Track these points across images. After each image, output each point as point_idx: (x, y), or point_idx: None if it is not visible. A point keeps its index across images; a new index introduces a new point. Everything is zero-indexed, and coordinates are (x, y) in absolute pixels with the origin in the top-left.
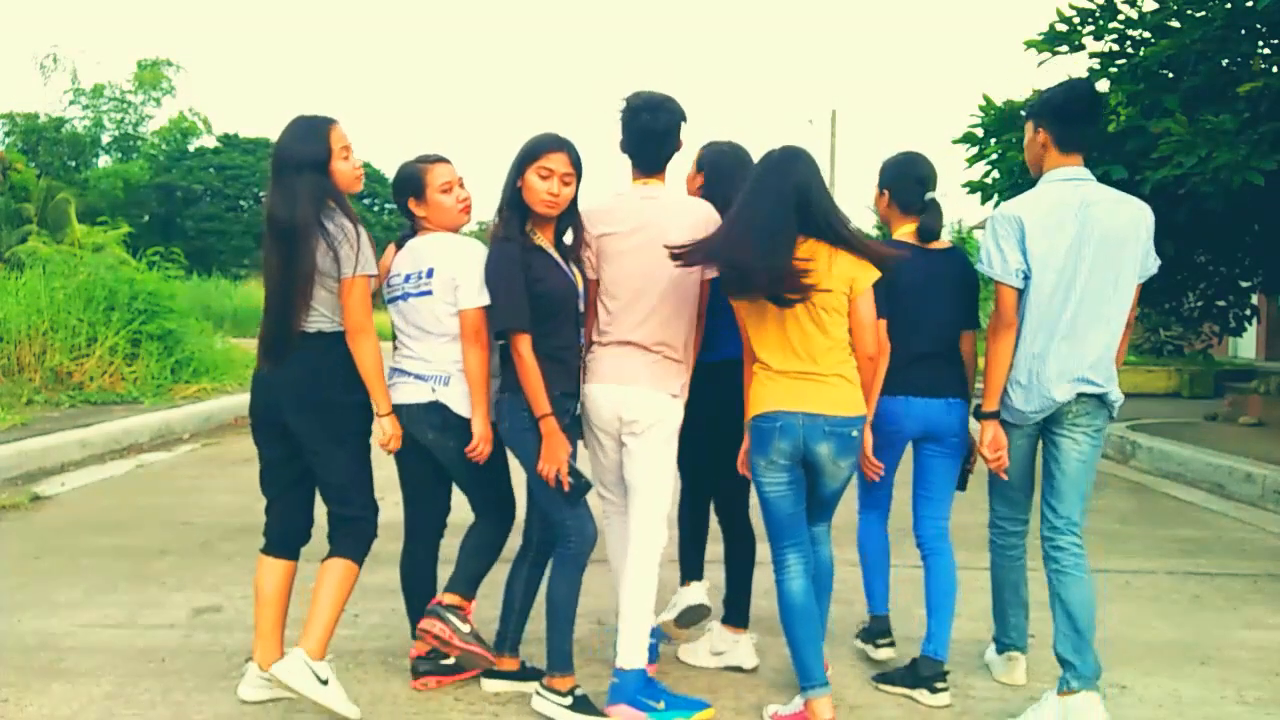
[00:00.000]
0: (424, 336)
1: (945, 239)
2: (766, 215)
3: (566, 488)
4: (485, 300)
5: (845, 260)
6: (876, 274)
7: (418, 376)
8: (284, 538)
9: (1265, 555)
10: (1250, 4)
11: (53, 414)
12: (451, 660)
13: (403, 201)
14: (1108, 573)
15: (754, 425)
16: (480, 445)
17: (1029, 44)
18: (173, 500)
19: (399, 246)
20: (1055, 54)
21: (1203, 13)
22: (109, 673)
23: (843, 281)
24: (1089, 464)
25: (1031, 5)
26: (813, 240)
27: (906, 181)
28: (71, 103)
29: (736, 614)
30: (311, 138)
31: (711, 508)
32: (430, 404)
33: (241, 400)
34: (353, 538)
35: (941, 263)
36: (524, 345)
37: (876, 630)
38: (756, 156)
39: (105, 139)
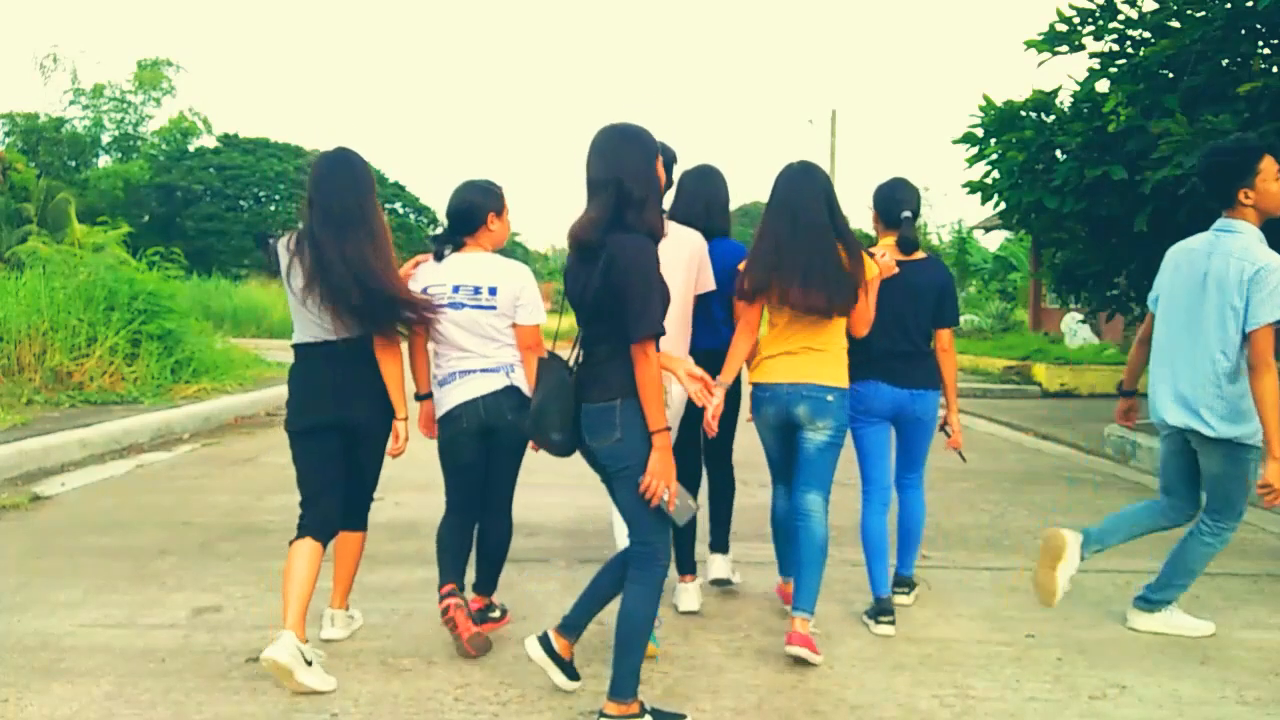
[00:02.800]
0: (484, 341)
1: (946, 240)
2: (812, 213)
3: (672, 507)
4: (543, 319)
5: (864, 259)
6: (875, 269)
7: (486, 370)
8: (326, 524)
9: (1265, 555)
10: (1250, 4)
11: (53, 414)
12: (498, 613)
13: (482, 217)
14: (1108, 573)
15: (753, 392)
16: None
17: (1029, 44)
18: (173, 500)
19: (438, 258)
20: (1055, 54)
21: (1203, 13)
22: (109, 673)
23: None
24: (1219, 478)
25: (1031, 5)
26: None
27: (888, 203)
28: (71, 103)
29: (718, 542)
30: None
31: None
32: (508, 388)
33: (241, 400)
34: (364, 515)
35: (917, 272)
36: (653, 350)
37: (878, 610)
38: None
39: (105, 139)
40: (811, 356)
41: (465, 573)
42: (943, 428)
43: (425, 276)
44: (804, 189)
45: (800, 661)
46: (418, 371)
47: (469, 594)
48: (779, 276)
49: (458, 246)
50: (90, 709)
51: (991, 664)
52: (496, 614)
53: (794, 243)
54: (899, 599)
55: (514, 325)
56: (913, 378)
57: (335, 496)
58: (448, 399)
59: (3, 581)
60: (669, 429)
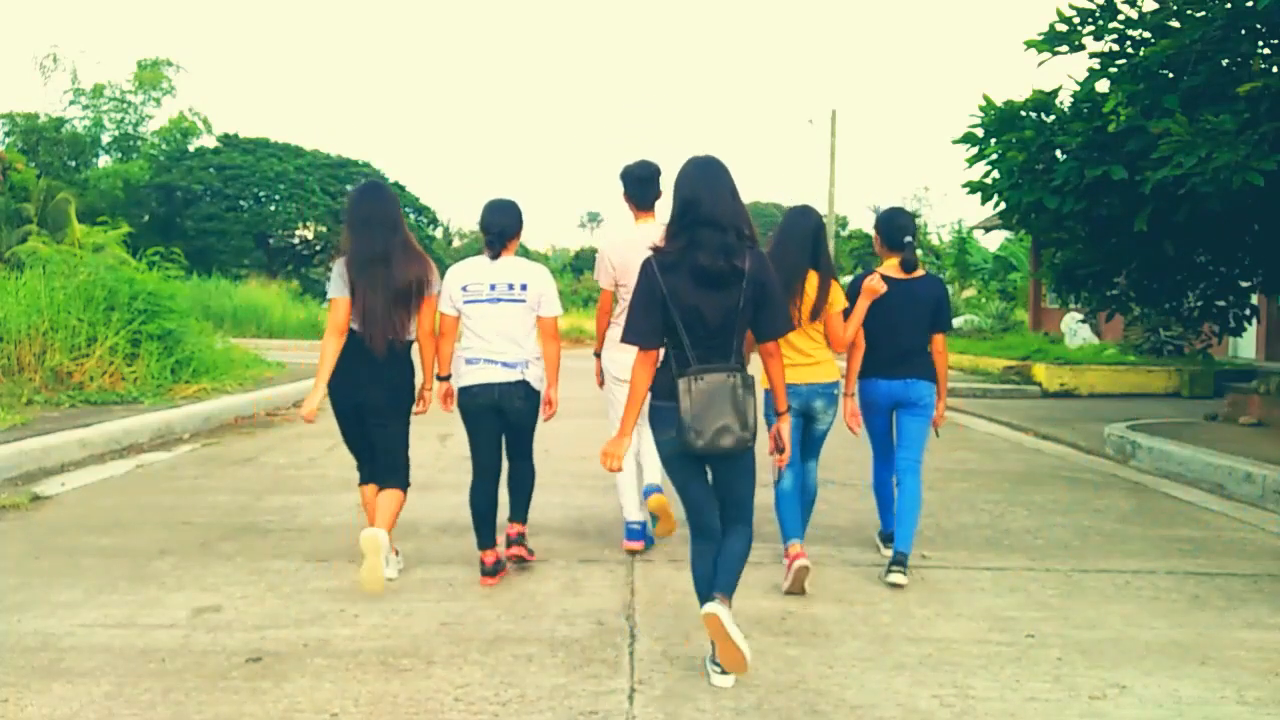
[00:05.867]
0: (511, 333)
1: (946, 240)
2: (794, 253)
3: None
4: (561, 311)
5: (833, 289)
6: (845, 303)
7: (506, 364)
8: (374, 473)
9: (1265, 555)
10: (1250, 4)
11: (53, 414)
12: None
13: (514, 232)
14: (1108, 573)
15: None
16: (555, 409)
17: (1029, 44)
18: (173, 500)
19: (494, 258)
20: (1055, 54)
21: (1203, 13)
22: (109, 673)
23: (826, 303)
24: None
25: (1031, 5)
26: (814, 272)
27: (890, 229)
28: (71, 103)
29: None
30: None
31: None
32: (519, 381)
33: (241, 400)
34: (402, 477)
35: (917, 287)
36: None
37: (886, 537)
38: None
39: (105, 139)
40: (820, 366)
41: (496, 535)
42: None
43: (466, 275)
44: (795, 226)
45: (798, 659)
46: (441, 356)
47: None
48: None
49: (502, 250)
50: (90, 709)
51: (991, 664)
52: (525, 542)
53: (781, 266)
54: (895, 578)
55: (538, 317)
56: (905, 370)
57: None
58: (471, 375)
59: (3, 581)
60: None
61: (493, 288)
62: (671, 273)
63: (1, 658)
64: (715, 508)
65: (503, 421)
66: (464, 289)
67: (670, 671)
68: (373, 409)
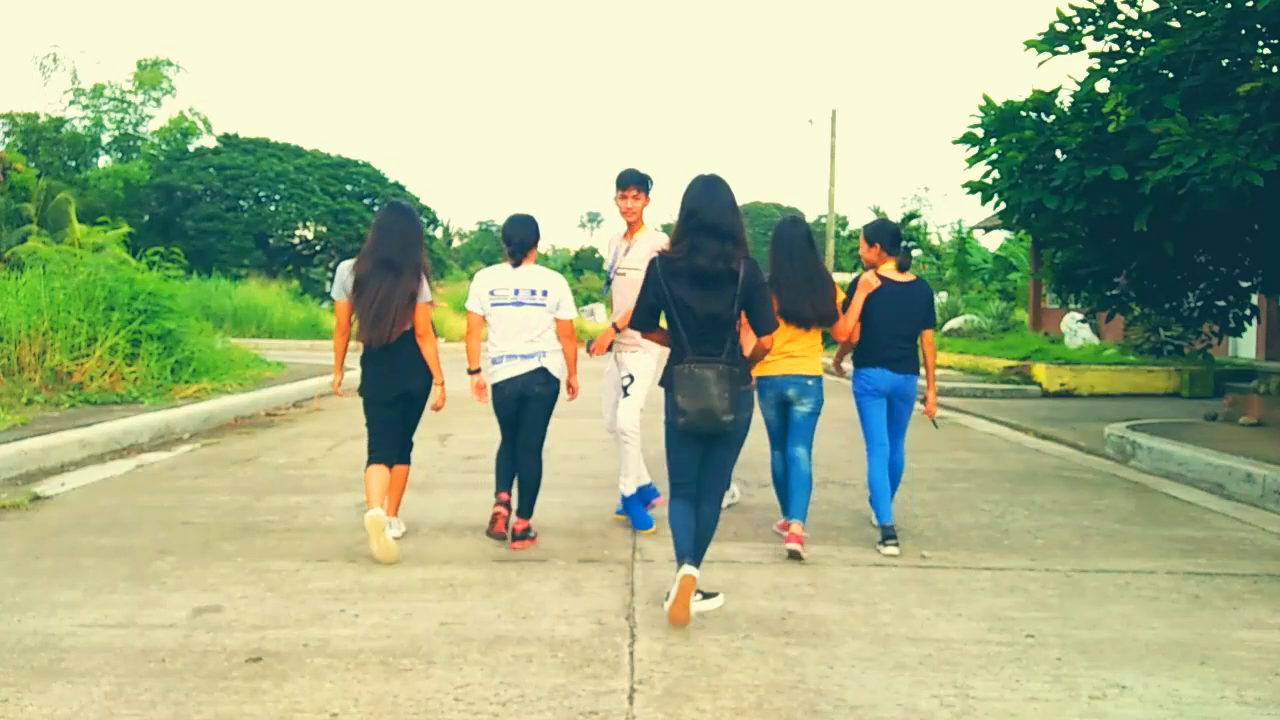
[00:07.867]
0: (529, 332)
1: (946, 240)
2: (809, 262)
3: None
4: (575, 314)
5: (835, 289)
6: (842, 294)
7: (525, 356)
8: (389, 454)
9: (1265, 555)
10: (1250, 4)
11: (53, 414)
12: (533, 534)
13: (534, 242)
14: (1108, 573)
15: (758, 381)
16: (577, 393)
17: (1029, 44)
18: (173, 500)
19: (515, 265)
20: (1055, 54)
21: (1203, 13)
22: (109, 673)
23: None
24: None
25: (1031, 5)
26: None
27: (886, 236)
28: (71, 103)
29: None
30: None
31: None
32: (539, 369)
33: (241, 400)
34: (409, 452)
35: (910, 289)
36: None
37: (884, 535)
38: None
39: (105, 139)
40: (799, 360)
41: (512, 484)
42: (922, 400)
43: (492, 281)
44: (794, 235)
45: (798, 659)
46: (470, 353)
47: (514, 518)
48: (784, 298)
49: (523, 258)
50: (90, 709)
51: (991, 664)
52: (532, 534)
53: (792, 273)
54: (889, 550)
55: (555, 319)
56: (905, 366)
57: (395, 434)
58: (499, 373)
59: (3, 581)
60: None
61: (516, 292)
62: (672, 273)
63: (1, 658)
64: (695, 476)
65: (523, 406)
66: (491, 293)
67: (670, 671)
68: (414, 395)
